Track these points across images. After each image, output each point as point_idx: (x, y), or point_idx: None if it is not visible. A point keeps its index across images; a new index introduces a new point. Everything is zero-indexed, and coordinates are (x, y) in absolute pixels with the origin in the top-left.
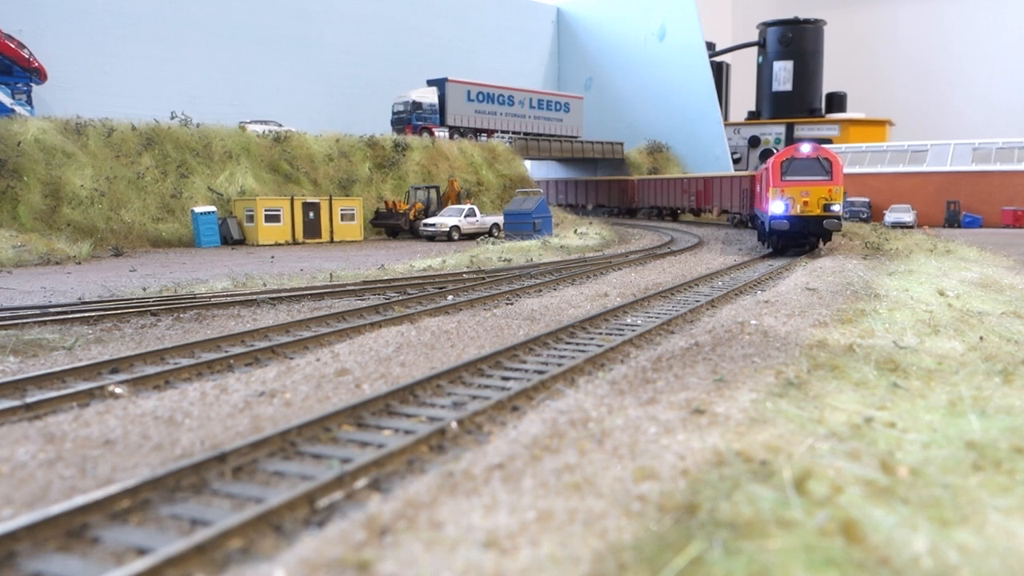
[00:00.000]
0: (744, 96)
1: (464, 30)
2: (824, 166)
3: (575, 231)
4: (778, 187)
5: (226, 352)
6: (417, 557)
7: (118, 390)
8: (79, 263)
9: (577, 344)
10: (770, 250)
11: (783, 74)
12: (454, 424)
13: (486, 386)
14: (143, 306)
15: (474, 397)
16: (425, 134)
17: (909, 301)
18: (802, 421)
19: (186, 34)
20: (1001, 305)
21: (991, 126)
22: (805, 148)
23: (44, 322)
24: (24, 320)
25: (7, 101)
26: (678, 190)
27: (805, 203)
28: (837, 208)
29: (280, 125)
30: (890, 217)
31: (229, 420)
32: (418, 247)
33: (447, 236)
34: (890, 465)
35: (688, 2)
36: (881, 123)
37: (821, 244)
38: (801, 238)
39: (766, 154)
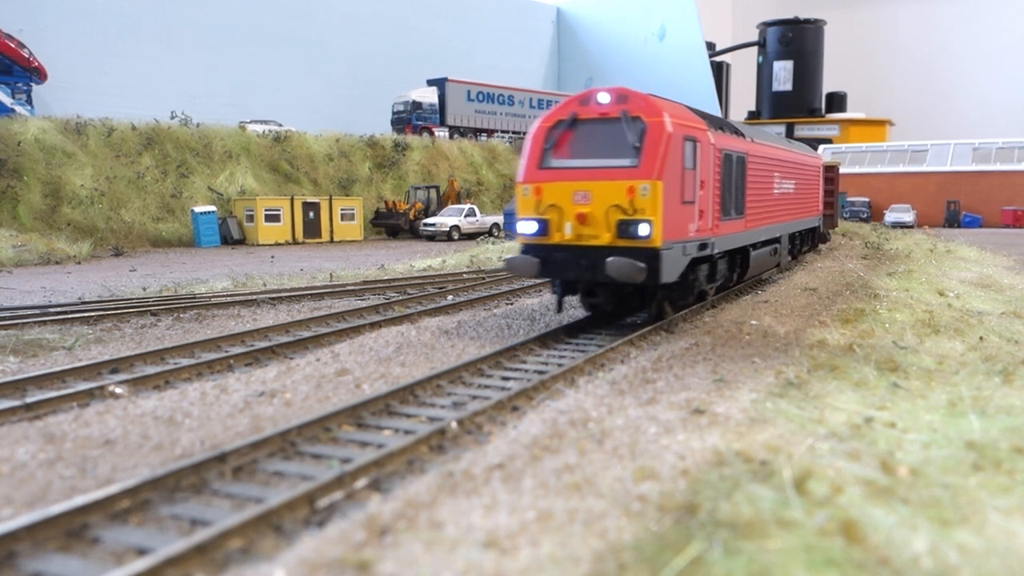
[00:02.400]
0: (744, 96)
1: (464, 30)
2: (632, 135)
3: None
4: (531, 184)
5: (226, 352)
6: (417, 557)
7: (118, 390)
8: (79, 263)
9: (577, 344)
10: (588, 313)
11: (783, 74)
12: (454, 424)
13: (486, 386)
14: (143, 306)
15: (474, 397)
16: (425, 134)
17: (909, 301)
18: (802, 421)
19: (186, 34)
20: (1001, 305)
21: (991, 126)
22: (602, 98)
23: (44, 322)
24: (24, 320)
25: (7, 101)
26: None
27: (581, 218)
28: (646, 230)
29: (280, 125)
30: (890, 217)
31: (229, 420)
32: (418, 247)
33: (447, 236)
34: (890, 465)
35: (688, 2)
36: (881, 123)
37: (668, 308)
38: (589, 290)
39: None
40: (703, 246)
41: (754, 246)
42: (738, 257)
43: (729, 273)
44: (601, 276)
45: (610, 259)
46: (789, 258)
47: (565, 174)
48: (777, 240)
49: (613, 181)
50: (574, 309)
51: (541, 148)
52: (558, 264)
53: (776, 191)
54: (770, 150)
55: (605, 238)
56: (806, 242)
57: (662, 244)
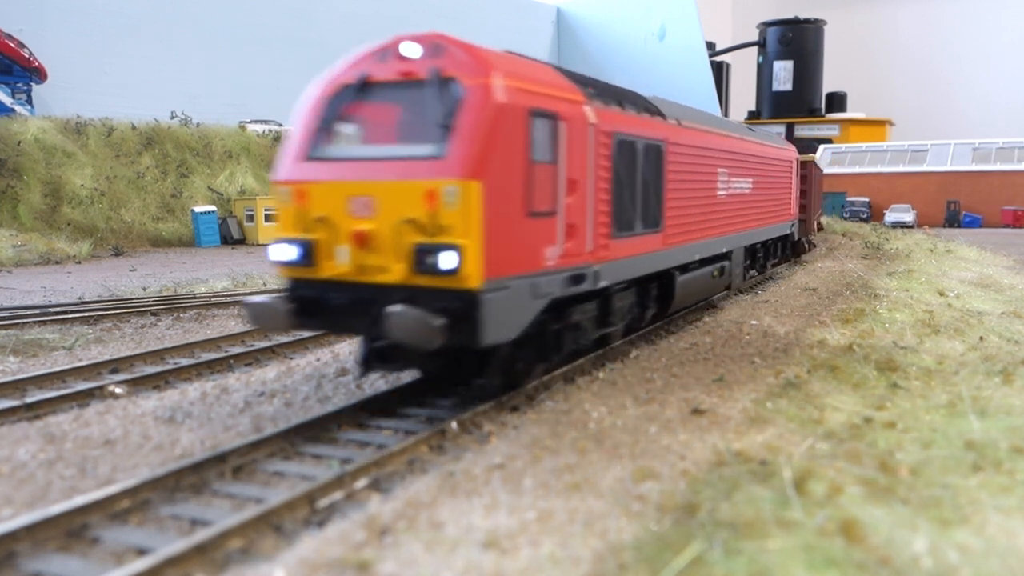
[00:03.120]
0: (744, 96)
1: (464, 30)
2: (441, 107)
3: None
4: (291, 184)
5: (226, 352)
6: (417, 557)
7: (118, 390)
8: (79, 263)
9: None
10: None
11: (783, 74)
12: (454, 424)
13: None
14: (143, 306)
15: (474, 397)
16: None
17: (909, 301)
18: (802, 421)
19: (186, 34)
20: (1001, 305)
21: (991, 126)
22: (407, 50)
23: (44, 322)
24: (24, 320)
25: (7, 101)
26: None
27: (360, 239)
28: (451, 261)
29: (280, 125)
30: (890, 217)
31: (229, 420)
32: None
33: None
34: (890, 465)
35: (688, 2)
36: (881, 123)
37: (520, 372)
38: (384, 348)
39: None
40: (577, 278)
41: (684, 268)
42: (655, 286)
43: (639, 309)
44: (382, 326)
45: (390, 310)
46: (753, 272)
47: (340, 170)
48: (725, 256)
49: (406, 181)
50: None
51: (314, 129)
52: (328, 311)
53: (721, 192)
54: (709, 137)
55: (396, 272)
56: (774, 254)
57: (484, 283)
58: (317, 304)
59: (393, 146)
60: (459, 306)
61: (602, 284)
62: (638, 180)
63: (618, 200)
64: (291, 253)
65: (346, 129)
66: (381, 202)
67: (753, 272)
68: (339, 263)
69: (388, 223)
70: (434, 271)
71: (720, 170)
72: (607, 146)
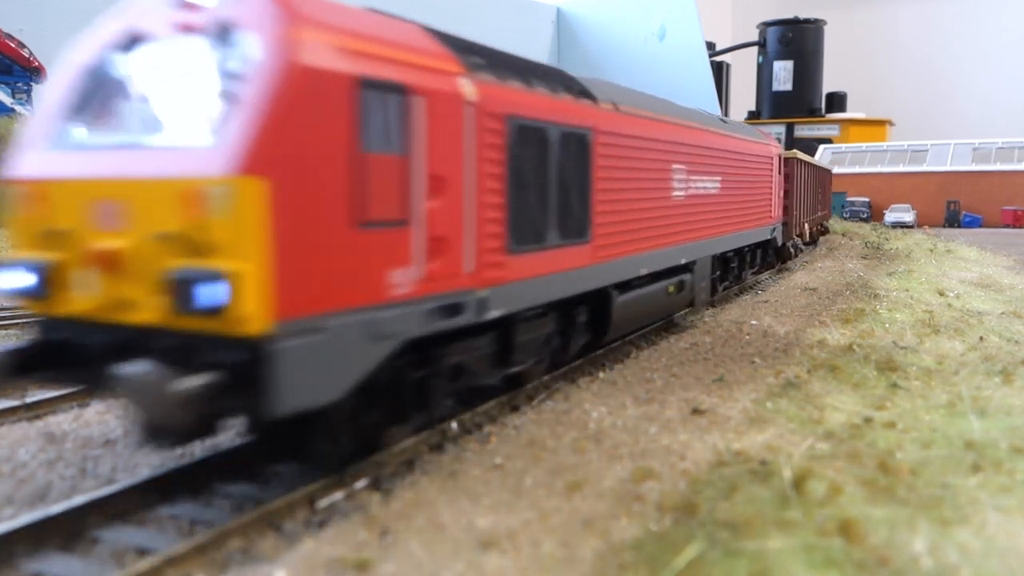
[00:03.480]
0: (744, 96)
1: (464, 30)
2: (222, 69)
3: None
4: (25, 184)
5: None
6: (417, 557)
7: None
8: None
9: None
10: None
11: (783, 74)
12: (454, 424)
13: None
14: None
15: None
16: None
17: (909, 301)
18: (802, 421)
19: None
20: (1001, 305)
21: (991, 126)
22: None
23: None
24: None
25: (7, 101)
26: None
27: (105, 261)
28: (217, 294)
29: None
30: (890, 217)
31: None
32: None
33: None
34: (890, 465)
35: (688, 2)
36: (881, 123)
37: (363, 441)
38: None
39: None
40: (450, 309)
41: (626, 285)
42: (583, 310)
43: (562, 339)
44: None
45: (119, 370)
46: (727, 283)
47: (86, 163)
48: (685, 269)
49: (158, 179)
50: None
51: (62, 108)
52: (78, 362)
53: (678, 193)
54: (658, 127)
55: (151, 309)
56: (753, 262)
57: (275, 326)
58: (68, 350)
59: (157, 129)
60: (237, 360)
61: (493, 314)
62: (551, 178)
63: (518, 204)
64: (24, 279)
65: (103, 107)
66: (133, 208)
67: (727, 283)
68: (83, 294)
69: (139, 237)
70: (195, 309)
71: (676, 166)
72: (499, 133)
